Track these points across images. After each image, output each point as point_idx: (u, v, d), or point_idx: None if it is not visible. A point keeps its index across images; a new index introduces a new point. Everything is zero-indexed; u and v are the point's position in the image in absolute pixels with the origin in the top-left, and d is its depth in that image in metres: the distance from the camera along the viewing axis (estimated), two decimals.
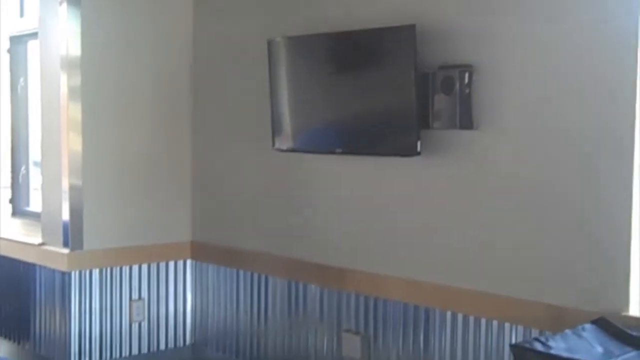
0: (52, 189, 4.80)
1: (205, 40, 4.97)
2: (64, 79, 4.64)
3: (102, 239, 4.73)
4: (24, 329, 5.02)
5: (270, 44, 4.31)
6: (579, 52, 3.25)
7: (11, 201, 5.47)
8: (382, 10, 3.94)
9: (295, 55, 4.31)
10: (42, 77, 4.89)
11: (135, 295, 4.87)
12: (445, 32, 3.67)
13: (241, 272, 4.75)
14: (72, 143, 4.65)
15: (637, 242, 3.12)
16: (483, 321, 3.59)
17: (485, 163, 3.58)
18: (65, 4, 4.59)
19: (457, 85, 3.54)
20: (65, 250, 4.65)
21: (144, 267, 4.90)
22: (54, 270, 4.73)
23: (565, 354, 2.66)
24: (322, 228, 4.30)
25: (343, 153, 4.09)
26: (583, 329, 2.90)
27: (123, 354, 4.84)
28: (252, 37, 4.57)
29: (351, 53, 4.01)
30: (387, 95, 3.82)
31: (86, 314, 4.68)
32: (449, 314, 3.72)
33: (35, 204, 5.32)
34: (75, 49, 4.59)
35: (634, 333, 2.86)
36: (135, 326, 4.89)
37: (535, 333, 3.32)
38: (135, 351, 4.89)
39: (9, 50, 5.45)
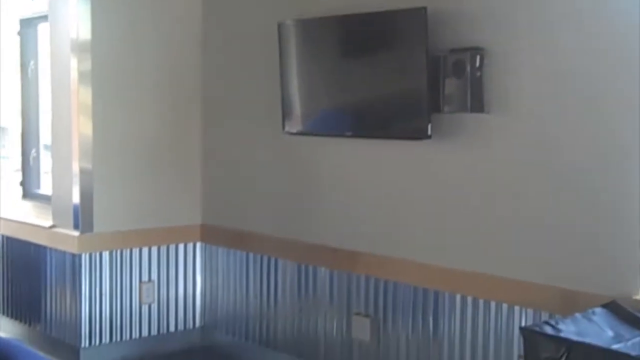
0: (62, 172, 4.81)
1: (216, 23, 4.96)
2: (74, 63, 4.64)
3: (112, 221, 4.75)
4: (35, 311, 5.04)
5: (280, 26, 4.30)
6: (592, 33, 3.23)
7: (22, 184, 5.48)
8: None
9: (305, 38, 4.30)
10: (52, 60, 4.89)
11: (145, 278, 4.89)
12: (457, 15, 3.65)
13: (251, 255, 4.76)
14: (83, 127, 4.65)
15: None
16: (493, 304, 3.59)
17: (496, 146, 3.57)
18: None
19: (468, 69, 3.52)
20: (76, 233, 4.67)
21: (154, 249, 4.91)
22: (64, 253, 4.75)
23: (575, 338, 2.66)
24: (332, 211, 4.30)
25: (353, 136, 4.09)
26: (593, 313, 2.90)
27: (133, 336, 4.86)
28: (262, 20, 4.56)
29: (362, 36, 4.00)
30: (398, 78, 3.81)
31: (96, 295, 4.71)
32: (458, 297, 3.73)
33: (45, 187, 5.33)
34: (85, 32, 4.59)
35: None
36: (145, 308, 4.91)
37: (545, 316, 3.33)
38: (145, 333, 4.91)
39: (19, 33, 5.46)
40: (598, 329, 2.77)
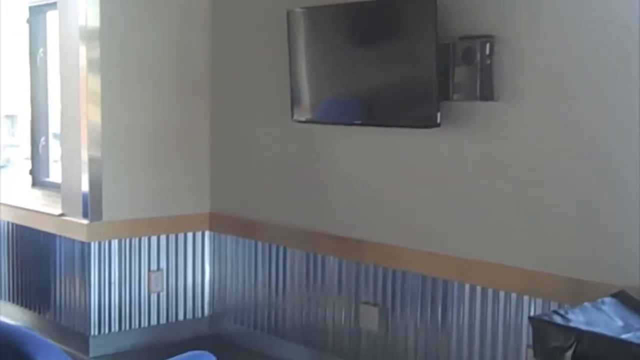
0: (71, 161, 4.81)
1: (225, 11, 4.95)
2: (83, 51, 4.64)
3: (121, 210, 4.75)
4: (44, 299, 5.06)
5: (289, 14, 4.28)
6: (603, 22, 3.21)
7: (31, 172, 5.49)
8: None
9: (314, 26, 4.28)
10: (61, 48, 4.89)
11: (154, 266, 4.90)
12: (466, 2, 3.63)
13: (259, 244, 4.76)
14: (91, 115, 4.66)
15: None
16: (502, 294, 3.58)
17: (505, 135, 3.55)
18: None
19: (478, 56, 3.50)
20: (85, 221, 4.68)
21: (163, 238, 4.92)
22: (73, 241, 4.76)
23: (584, 327, 2.65)
24: (341, 200, 4.29)
25: (362, 124, 4.07)
26: (603, 302, 2.89)
27: (142, 324, 4.87)
28: (271, 8, 4.54)
29: (371, 23, 3.97)
30: (407, 66, 3.79)
31: (105, 284, 4.72)
32: (467, 286, 3.71)
33: (55, 175, 5.34)
34: (94, 20, 4.58)
35: None
36: (153, 297, 4.92)
37: (554, 306, 3.31)
38: (153, 321, 4.92)
39: (28, 21, 5.45)
40: (607, 319, 2.76)
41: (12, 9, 5.52)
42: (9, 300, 5.41)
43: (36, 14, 5.43)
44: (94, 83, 4.62)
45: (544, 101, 3.41)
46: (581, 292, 3.20)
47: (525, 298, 3.48)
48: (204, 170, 5.05)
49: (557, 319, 2.72)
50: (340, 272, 4.30)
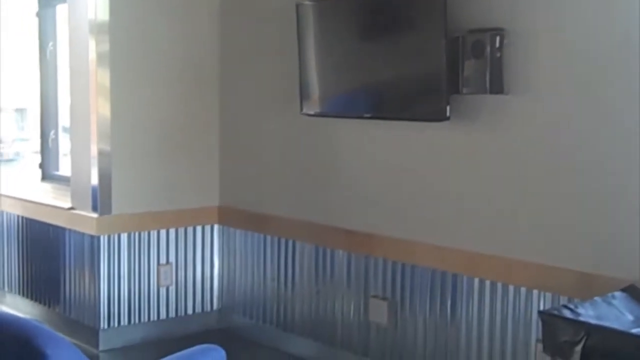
0: (81, 154, 4.82)
1: (234, 4, 4.94)
2: (92, 44, 4.64)
3: (131, 203, 4.76)
4: (54, 292, 5.08)
5: (298, 7, 4.27)
6: (613, 12, 3.19)
7: (41, 166, 5.51)
8: None
9: (323, 19, 4.27)
10: (70, 42, 4.90)
11: (163, 260, 4.91)
12: None
13: (268, 237, 4.76)
14: (101, 108, 4.66)
15: None
16: (511, 288, 3.57)
17: (515, 128, 3.53)
18: None
19: (488, 49, 3.48)
20: (94, 215, 4.69)
21: (172, 231, 4.92)
22: (83, 234, 4.77)
23: (594, 322, 2.64)
24: (350, 193, 4.29)
25: (371, 118, 4.07)
26: (613, 297, 2.88)
27: (151, 318, 4.89)
28: (280, 1, 4.53)
29: (380, 16, 3.96)
30: (417, 59, 3.78)
31: (115, 277, 4.73)
32: (476, 280, 3.71)
33: (64, 169, 5.35)
34: (103, 13, 4.59)
35: None
36: (163, 290, 4.92)
37: (563, 300, 3.30)
38: (163, 315, 4.93)
39: (37, 14, 5.46)
40: (617, 313, 2.75)
41: (22, 3, 5.52)
42: (19, 293, 5.43)
43: (46, 7, 5.43)
44: (104, 77, 4.63)
45: (554, 94, 3.39)
46: (591, 287, 3.19)
47: (535, 292, 3.47)
48: (213, 163, 5.05)
49: (567, 313, 2.71)
50: (349, 266, 4.30)
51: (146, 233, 4.82)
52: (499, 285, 3.62)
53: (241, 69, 4.93)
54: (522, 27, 3.46)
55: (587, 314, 2.71)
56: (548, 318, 2.75)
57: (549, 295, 3.42)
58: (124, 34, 4.67)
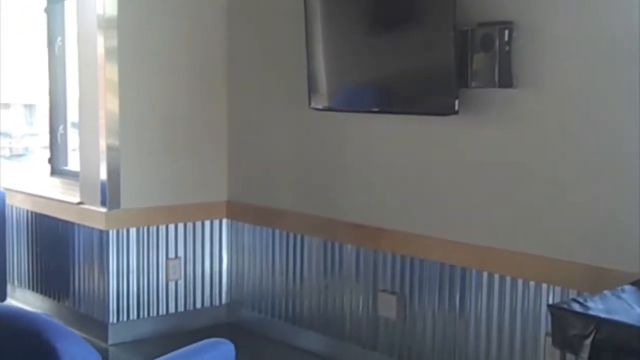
0: (89, 149, 4.83)
1: None
2: (100, 39, 4.64)
3: (139, 198, 4.77)
4: (63, 287, 5.09)
5: (306, 1, 4.26)
6: (623, 6, 3.17)
7: (50, 161, 5.52)
8: None
9: (332, 12, 4.27)
10: (79, 37, 4.90)
11: (171, 254, 4.92)
12: None
13: (277, 232, 4.76)
14: (109, 103, 4.67)
15: None
16: (520, 282, 3.56)
17: (524, 122, 3.52)
18: None
19: (497, 43, 3.47)
20: (103, 209, 4.70)
21: (180, 226, 4.93)
22: (92, 229, 4.78)
23: (604, 315, 2.62)
24: (359, 187, 4.28)
25: (380, 112, 4.06)
26: (622, 290, 2.87)
27: (160, 312, 4.90)
28: None
29: (389, 9, 3.95)
30: (425, 53, 3.77)
31: (124, 272, 4.74)
32: (485, 274, 3.70)
33: (73, 164, 5.36)
34: (111, 8, 4.59)
35: None
36: (171, 285, 4.94)
37: (573, 294, 3.29)
38: (171, 309, 4.94)
39: (46, 9, 5.47)
40: (627, 307, 2.74)
41: None
42: (29, 287, 5.45)
43: (54, 2, 5.44)
44: (112, 72, 4.63)
45: (563, 88, 3.38)
46: (600, 280, 3.18)
47: (544, 286, 3.47)
48: (222, 158, 5.05)
49: (576, 307, 2.70)
50: (357, 260, 4.30)
51: (155, 227, 4.83)
52: (508, 279, 3.61)
53: (249, 64, 4.93)
54: (531, 21, 3.45)
55: (597, 307, 2.70)
56: (557, 312, 2.74)
57: (558, 289, 3.41)
58: (132, 29, 4.67)
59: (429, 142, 3.93)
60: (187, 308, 5.01)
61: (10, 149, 7.16)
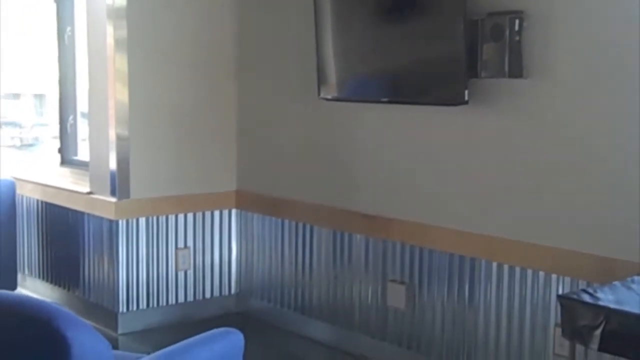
0: (99, 139, 4.84)
1: None
2: (110, 30, 4.64)
3: (149, 188, 4.78)
4: (74, 276, 5.11)
5: None
6: None
7: (60, 151, 5.53)
8: None
9: (341, 2, 4.25)
10: (88, 27, 4.90)
11: (181, 244, 4.93)
12: None
13: (286, 222, 4.77)
14: (119, 93, 4.67)
15: None
16: (529, 272, 3.56)
17: (534, 112, 3.51)
18: None
19: (507, 33, 3.45)
20: (113, 199, 4.71)
21: (190, 216, 4.94)
22: (101, 219, 4.79)
23: (613, 306, 2.62)
24: (368, 178, 4.28)
25: (389, 102, 4.05)
26: (632, 281, 2.86)
27: (169, 302, 4.91)
28: None
29: None
30: (435, 43, 3.76)
31: (133, 261, 4.75)
32: (495, 264, 3.70)
33: (83, 154, 5.37)
34: None
35: None
36: (181, 274, 4.95)
37: (582, 285, 3.29)
38: (181, 299, 4.95)
39: (55, 0, 5.47)
40: (637, 297, 2.73)
41: None
42: (39, 277, 5.48)
43: None
44: (121, 62, 4.63)
45: (573, 78, 3.36)
46: (610, 271, 3.17)
47: (554, 276, 3.46)
48: (231, 148, 5.06)
49: (586, 298, 2.70)
50: (367, 250, 4.30)
51: (164, 217, 4.84)
52: (518, 269, 3.61)
53: (258, 54, 4.92)
54: (542, 10, 3.43)
55: (607, 298, 2.69)
56: (567, 302, 2.73)
57: (567, 279, 3.40)
58: (142, 19, 4.67)
59: (439, 132, 3.92)
60: (197, 298, 5.02)
61: (21, 139, 7.18)
